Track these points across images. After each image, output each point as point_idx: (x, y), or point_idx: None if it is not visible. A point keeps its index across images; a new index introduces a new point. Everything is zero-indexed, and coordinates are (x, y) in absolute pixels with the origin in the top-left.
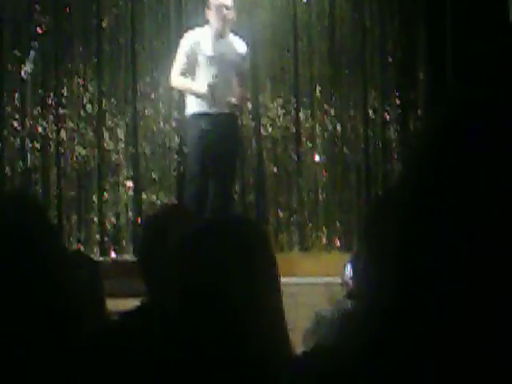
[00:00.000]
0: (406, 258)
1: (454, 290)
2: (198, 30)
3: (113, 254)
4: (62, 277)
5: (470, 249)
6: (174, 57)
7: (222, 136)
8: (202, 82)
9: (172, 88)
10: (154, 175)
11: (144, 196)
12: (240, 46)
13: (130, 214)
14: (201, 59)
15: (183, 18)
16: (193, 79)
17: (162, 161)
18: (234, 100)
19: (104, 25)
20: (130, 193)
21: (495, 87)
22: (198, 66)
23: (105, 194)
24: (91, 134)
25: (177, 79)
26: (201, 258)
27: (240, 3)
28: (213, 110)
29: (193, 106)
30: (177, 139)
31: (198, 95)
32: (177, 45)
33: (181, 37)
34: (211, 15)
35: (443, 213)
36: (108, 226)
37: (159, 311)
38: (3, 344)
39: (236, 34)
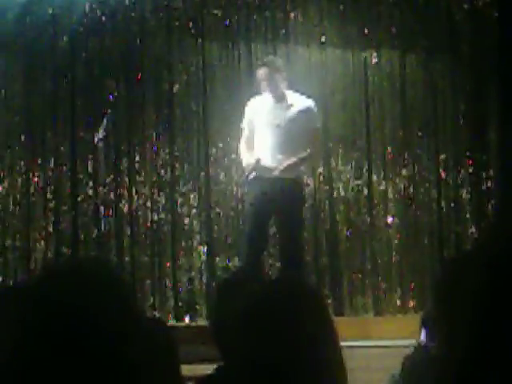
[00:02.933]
0: (483, 321)
1: None
2: (258, 97)
3: (187, 320)
4: (138, 343)
5: None
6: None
7: (279, 201)
8: (256, 152)
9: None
10: (227, 240)
11: (217, 260)
12: (302, 104)
13: (204, 278)
14: (257, 127)
15: (254, 82)
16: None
17: (235, 225)
18: (281, 168)
19: (175, 90)
20: (204, 257)
21: None
22: (256, 135)
23: (178, 259)
24: (164, 199)
25: (242, 152)
26: (261, 326)
27: (311, 67)
28: (270, 175)
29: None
30: None
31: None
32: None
33: None
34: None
35: None
36: (182, 291)
37: (234, 377)
38: None
39: (301, 92)
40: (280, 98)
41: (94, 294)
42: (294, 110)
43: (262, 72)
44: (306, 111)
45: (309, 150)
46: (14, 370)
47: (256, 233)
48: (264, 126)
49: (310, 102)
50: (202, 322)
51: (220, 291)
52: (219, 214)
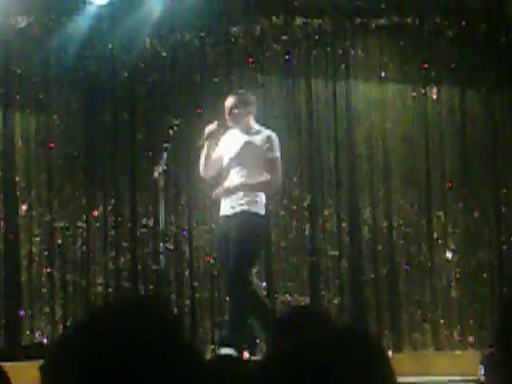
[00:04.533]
0: None
1: None
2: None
3: (246, 355)
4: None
5: None
6: None
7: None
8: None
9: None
10: (286, 274)
11: (277, 296)
12: (263, 133)
13: None
14: (223, 156)
15: (313, 117)
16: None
17: (294, 258)
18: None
19: None
20: (264, 293)
21: None
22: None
23: None
24: None
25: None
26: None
27: (371, 102)
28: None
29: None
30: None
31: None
32: None
33: None
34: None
35: None
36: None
37: None
38: None
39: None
40: (244, 130)
41: (153, 333)
42: (255, 139)
43: (230, 100)
44: (266, 140)
45: (269, 177)
46: None
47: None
48: (227, 154)
49: (271, 132)
50: (261, 356)
51: (281, 327)
52: (279, 247)
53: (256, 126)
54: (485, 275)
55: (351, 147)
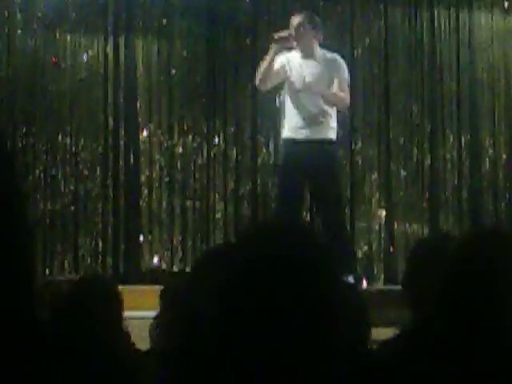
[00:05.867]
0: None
1: None
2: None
3: (365, 284)
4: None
5: None
6: None
7: (314, 162)
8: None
9: None
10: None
11: (396, 225)
12: (329, 56)
13: (383, 243)
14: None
15: (434, 50)
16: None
17: (414, 188)
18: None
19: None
20: (382, 222)
21: None
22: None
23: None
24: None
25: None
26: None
27: (493, 33)
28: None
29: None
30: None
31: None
32: None
33: None
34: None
35: None
36: (360, 255)
37: (427, 336)
38: None
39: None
40: (310, 54)
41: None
42: (321, 63)
43: (297, 17)
44: (333, 62)
45: (342, 94)
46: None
47: (291, 194)
48: (294, 81)
49: (336, 56)
50: (379, 285)
51: (419, 251)
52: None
53: (320, 51)
54: None
55: (473, 77)
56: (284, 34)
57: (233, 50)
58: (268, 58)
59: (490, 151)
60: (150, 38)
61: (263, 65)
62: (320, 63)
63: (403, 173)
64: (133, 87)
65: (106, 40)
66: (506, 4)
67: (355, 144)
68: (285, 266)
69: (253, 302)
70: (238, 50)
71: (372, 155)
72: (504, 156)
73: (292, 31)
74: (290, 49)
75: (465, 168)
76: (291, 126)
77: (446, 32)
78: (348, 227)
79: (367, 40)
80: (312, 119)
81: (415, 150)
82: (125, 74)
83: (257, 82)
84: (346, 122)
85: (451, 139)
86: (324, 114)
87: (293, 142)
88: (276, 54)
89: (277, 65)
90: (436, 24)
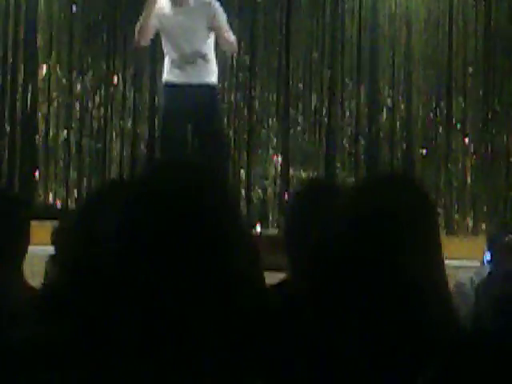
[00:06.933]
0: None
1: None
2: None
3: (258, 229)
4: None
5: None
6: None
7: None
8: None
9: None
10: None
11: (292, 170)
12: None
13: (277, 188)
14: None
15: None
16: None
17: (313, 136)
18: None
19: None
20: (278, 167)
21: None
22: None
23: (253, 167)
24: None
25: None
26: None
27: None
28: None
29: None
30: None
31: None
32: None
33: None
34: None
35: None
36: (254, 201)
37: (298, 289)
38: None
39: None
40: (181, 2)
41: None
42: (194, 9)
43: None
44: (206, 5)
45: (226, 34)
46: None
47: (175, 136)
48: (170, 29)
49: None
50: (272, 231)
51: (295, 201)
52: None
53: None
54: (501, 163)
55: (374, 27)
56: None
57: None
58: (145, 12)
59: (389, 100)
60: None
61: (141, 20)
62: (193, 10)
63: (301, 119)
64: (33, 23)
65: None
66: None
67: (254, 89)
68: (186, 196)
69: (152, 233)
70: None
71: (271, 101)
72: (402, 106)
73: None
74: None
75: (363, 117)
76: (169, 68)
77: None
78: (243, 171)
79: None
80: (188, 59)
81: (314, 97)
82: (26, 8)
83: (136, 38)
84: (245, 66)
85: (350, 87)
86: (200, 55)
87: (173, 86)
88: (153, 4)
89: (152, 22)
90: None
